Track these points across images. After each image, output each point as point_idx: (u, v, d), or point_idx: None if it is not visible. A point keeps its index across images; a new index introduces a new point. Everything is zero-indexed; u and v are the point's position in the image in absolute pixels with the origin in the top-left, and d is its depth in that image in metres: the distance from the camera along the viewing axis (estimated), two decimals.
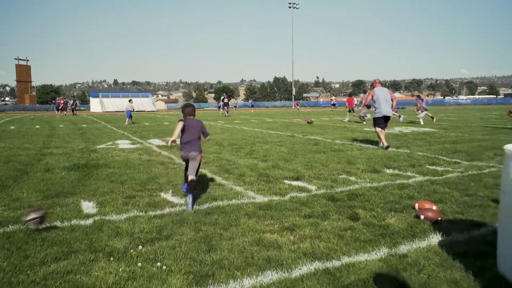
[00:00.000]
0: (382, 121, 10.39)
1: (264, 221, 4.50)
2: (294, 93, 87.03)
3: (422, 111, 20.87)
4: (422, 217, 4.49)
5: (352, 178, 6.71)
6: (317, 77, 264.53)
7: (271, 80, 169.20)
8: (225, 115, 34.51)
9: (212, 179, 6.73)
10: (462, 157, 8.78)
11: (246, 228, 4.27)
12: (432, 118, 21.23)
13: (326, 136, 13.89)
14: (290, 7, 71.79)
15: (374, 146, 10.83)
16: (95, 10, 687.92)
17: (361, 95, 26.67)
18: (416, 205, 4.87)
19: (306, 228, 4.24)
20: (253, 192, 5.82)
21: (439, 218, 4.46)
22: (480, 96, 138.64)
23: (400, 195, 5.51)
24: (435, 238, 3.92)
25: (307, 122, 21.88)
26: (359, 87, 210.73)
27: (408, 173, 7.06)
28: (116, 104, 77.52)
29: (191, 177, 5.23)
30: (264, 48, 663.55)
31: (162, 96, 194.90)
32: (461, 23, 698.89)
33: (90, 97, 78.15)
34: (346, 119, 24.77)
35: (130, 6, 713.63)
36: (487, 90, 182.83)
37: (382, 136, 10.36)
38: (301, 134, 14.72)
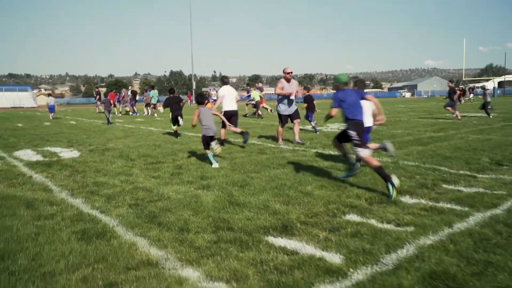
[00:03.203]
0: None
1: None
2: (194, 87, 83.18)
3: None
4: None
5: (374, 222, 3.96)
6: (214, 71, 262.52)
7: (167, 74, 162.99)
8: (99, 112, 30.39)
9: (130, 248, 3.42)
10: (463, 166, 6.63)
11: None
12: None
13: (266, 140, 11.10)
14: None
15: (324, 151, 8.32)
16: None
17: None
18: None
19: None
20: None
21: None
22: (367, 90, 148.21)
23: None
24: None
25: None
26: (256, 81, 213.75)
27: (444, 204, 4.52)
28: None
29: None
30: (159, 41, 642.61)
31: (45, 90, 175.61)
32: (345, 24, 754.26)
33: None
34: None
35: None
36: (371, 85, 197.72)
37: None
38: (231, 137, 11.56)
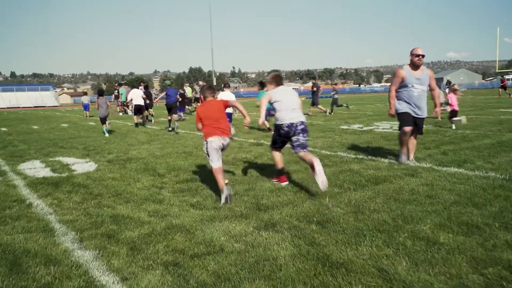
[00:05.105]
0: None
1: None
2: (215, 83, 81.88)
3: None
4: None
5: None
6: (233, 67, 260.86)
7: (186, 70, 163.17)
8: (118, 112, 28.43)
9: None
10: None
11: None
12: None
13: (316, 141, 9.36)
14: None
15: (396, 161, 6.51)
16: None
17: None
18: None
19: None
20: None
21: None
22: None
23: None
24: None
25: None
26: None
27: None
28: (9, 99, 66.51)
29: None
30: (178, 38, 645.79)
31: (68, 89, 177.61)
32: (365, 17, 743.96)
33: None
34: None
35: None
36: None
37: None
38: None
